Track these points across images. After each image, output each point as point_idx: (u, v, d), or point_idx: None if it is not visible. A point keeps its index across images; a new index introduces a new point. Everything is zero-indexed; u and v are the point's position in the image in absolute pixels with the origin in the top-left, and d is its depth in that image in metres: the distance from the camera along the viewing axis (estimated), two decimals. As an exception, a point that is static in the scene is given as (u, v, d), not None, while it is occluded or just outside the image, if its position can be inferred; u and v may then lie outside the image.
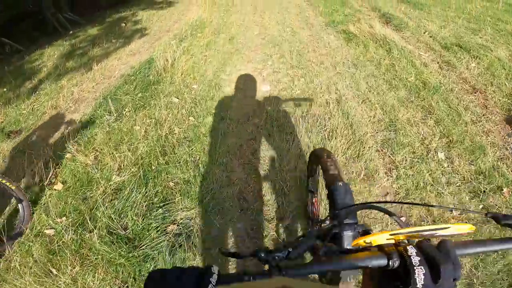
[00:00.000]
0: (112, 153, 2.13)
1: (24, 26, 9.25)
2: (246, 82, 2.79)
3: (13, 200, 1.80)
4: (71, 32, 7.12)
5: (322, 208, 1.49)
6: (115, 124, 2.47)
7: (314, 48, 3.33)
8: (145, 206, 1.73)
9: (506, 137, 2.07)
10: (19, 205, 1.68)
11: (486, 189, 1.66)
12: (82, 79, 3.60)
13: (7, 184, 1.59)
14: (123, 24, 5.70)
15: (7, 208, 1.85)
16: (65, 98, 3.21)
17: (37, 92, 3.45)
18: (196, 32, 4.28)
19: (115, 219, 1.65)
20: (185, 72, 3.02)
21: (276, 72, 2.86)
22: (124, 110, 2.64)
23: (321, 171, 1.02)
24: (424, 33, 3.85)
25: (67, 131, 2.54)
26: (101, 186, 1.89)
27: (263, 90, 2.63)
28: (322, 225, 1.16)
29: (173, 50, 3.53)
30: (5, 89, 3.66)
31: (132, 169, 1.98)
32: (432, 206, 0.66)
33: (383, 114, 2.28)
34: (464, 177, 1.75)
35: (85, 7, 11.24)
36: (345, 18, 4.25)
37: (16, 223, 1.72)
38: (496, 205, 1.59)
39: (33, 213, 1.76)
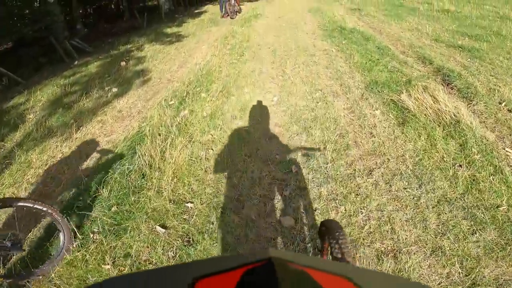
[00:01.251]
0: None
1: (33, 51, 9.01)
2: (261, 208, 1.88)
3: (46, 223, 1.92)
4: (76, 62, 6.66)
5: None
6: (79, 253, 1.69)
7: (356, 136, 2.41)
8: None
9: None
10: (60, 235, 1.67)
11: None
12: (54, 154, 2.87)
13: (49, 211, 1.59)
14: (124, 63, 5.06)
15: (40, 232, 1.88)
16: (29, 185, 2.48)
17: (4, 168, 2.75)
18: (200, 88, 3.49)
19: None
20: (178, 172, 2.19)
21: (302, 188, 1.95)
22: (92, 232, 1.84)
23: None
24: (500, 103, 2.86)
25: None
26: None
27: (285, 225, 1.72)
28: None
29: (167, 125, 2.73)
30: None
31: None
32: None
33: (462, 272, 1.39)
34: None
35: (100, 32, 11.09)
36: (391, 77, 3.32)
37: (52, 252, 1.74)
38: None
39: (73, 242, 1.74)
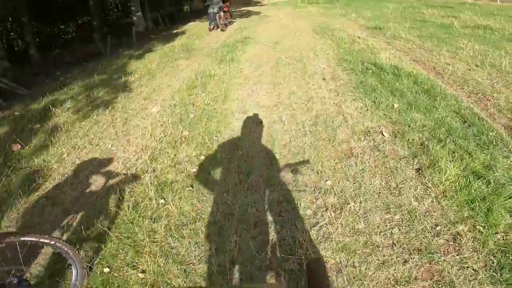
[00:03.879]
0: None
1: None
2: None
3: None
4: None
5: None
6: None
7: None
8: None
9: None
10: (73, 271, 1.37)
11: None
12: None
13: (60, 245, 1.31)
14: (17, 148, 2.94)
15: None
16: None
17: None
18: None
19: None
20: None
21: None
22: None
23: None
24: None
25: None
26: None
27: None
28: None
29: None
30: None
31: None
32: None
33: None
34: None
35: (60, 59, 9.00)
36: None
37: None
38: None
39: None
